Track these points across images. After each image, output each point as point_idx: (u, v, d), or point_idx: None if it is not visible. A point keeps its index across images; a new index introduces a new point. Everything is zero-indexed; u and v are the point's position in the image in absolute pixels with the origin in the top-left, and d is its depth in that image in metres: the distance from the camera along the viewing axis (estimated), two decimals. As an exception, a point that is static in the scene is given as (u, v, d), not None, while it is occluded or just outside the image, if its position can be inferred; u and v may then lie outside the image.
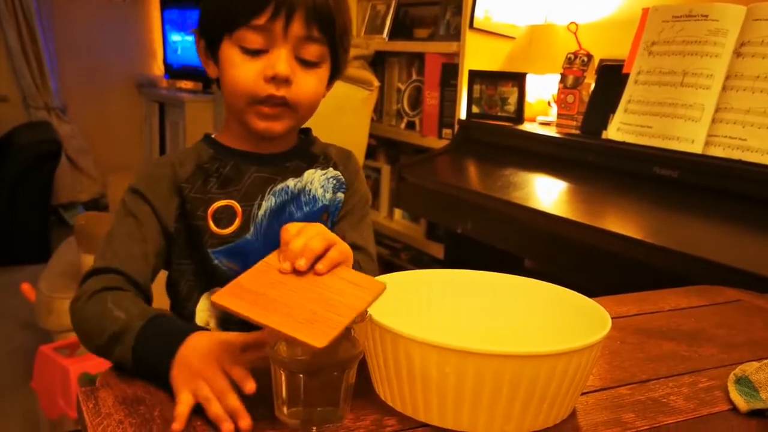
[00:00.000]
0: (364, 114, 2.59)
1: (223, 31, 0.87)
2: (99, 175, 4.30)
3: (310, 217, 0.93)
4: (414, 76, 2.71)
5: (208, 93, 3.86)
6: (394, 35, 2.84)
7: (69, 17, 4.25)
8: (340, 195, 0.97)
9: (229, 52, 0.87)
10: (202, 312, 0.92)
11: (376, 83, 2.59)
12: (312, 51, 0.87)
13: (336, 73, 0.94)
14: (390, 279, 0.76)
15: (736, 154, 1.45)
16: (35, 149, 3.64)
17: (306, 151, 0.97)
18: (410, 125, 2.71)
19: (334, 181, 0.97)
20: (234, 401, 0.63)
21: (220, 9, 0.87)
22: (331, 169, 0.97)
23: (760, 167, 1.39)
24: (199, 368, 0.66)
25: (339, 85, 2.82)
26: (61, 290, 2.15)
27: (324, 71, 0.90)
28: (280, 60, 0.85)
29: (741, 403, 0.70)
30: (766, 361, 0.74)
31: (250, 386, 0.63)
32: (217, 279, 0.90)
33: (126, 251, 0.85)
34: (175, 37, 4.30)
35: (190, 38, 4.10)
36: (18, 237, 3.57)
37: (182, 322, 0.76)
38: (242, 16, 0.84)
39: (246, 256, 0.90)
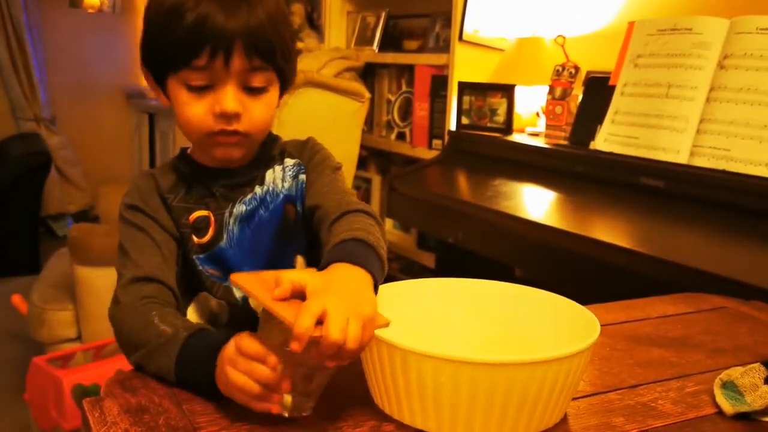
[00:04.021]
0: (355, 125, 2.61)
1: (167, 70, 0.88)
2: (88, 186, 4.30)
3: (275, 214, 0.94)
4: (404, 88, 2.74)
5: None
6: (384, 47, 2.87)
7: (58, 28, 4.26)
8: (302, 177, 0.97)
9: (177, 90, 0.87)
10: (192, 314, 0.94)
11: (367, 95, 2.61)
12: (258, 79, 0.87)
13: (285, 87, 0.94)
14: (384, 289, 0.78)
15: (720, 164, 1.48)
16: (25, 161, 3.65)
17: (267, 156, 0.97)
18: (400, 136, 2.74)
19: (293, 169, 0.97)
20: (263, 372, 0.64)
21: (161, 50, 0.87)
22: (287, 159, 0.98)
23: (743, 177, 1.42)
24: (223, 362, 0.68)
25: (330, 97, 2.85)
26: (53, 302, 2.15)
27: (273, 93, 0.90)
28: (227, 97, 0.85)
29: (727, 406, 0.72)
30: (750, 366, 0.76)
31: (271, 360, 0.64)
32: (201, 283, 0.93)
33: (145, 260, 0.86)
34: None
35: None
36: (7, 249, 3.57)
37: (218, 335, 0.76)
38: (182, 59, 0.84)
39: (223, 262, 0.93)
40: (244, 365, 0.65)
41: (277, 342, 0.65)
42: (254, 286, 0.66)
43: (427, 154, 2.45)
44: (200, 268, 0.92)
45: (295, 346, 0.61)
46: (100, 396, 0.69)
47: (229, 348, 0.67)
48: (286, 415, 0.66)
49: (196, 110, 0.86)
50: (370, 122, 2.87)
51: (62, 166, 4.19)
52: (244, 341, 0.65)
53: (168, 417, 0.65)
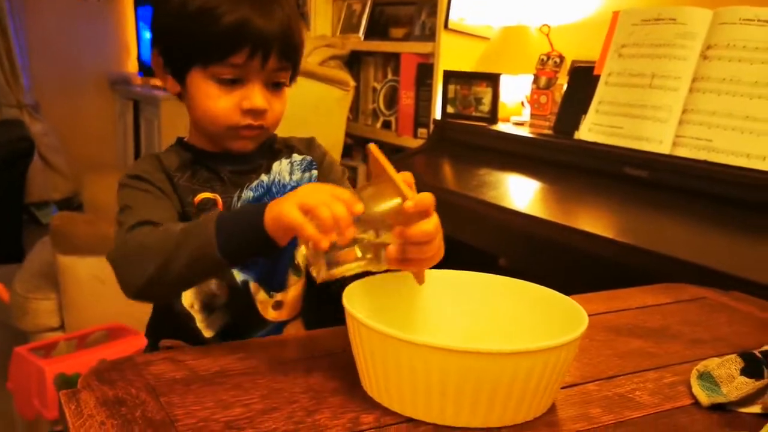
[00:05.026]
0: (340, 113, 2.60)
1: (194, 62, 0.88)
2: (72, 173, 4.25)
3: None
4: (390, 76, 2.73)
5: (183, 91, 3.83)
6: (369, 35, 2.86)
7: (41, 14, 4.20)
8: (314, 172, 0.99)
9: (203, 83, 0.88)
10: (189, 292, 0.93)
11: (352, 83, 2.60)
12: (282, 76, 0.91)
13: (293, 79, 0.97)
14: (368, 282, 0.78)
15: (702, 155, 1.49)
16: (7, 148, 3.60)
17: (271, 148, 1.00)
18: (386, 125, 2.73)
19: (302, 164, 0.99)
20: (342, 209, 0.67)
21: (192, 43, 0.87)
22: (295, 155, 1.00)
23: (724, 167, 1.43)
24: (301, 189, 0.72)
25: (315, 85, 2.84)
26: (36, 291, 2.14)
27: (287, 87, 0.94)
28: (257, 94, 0.88)
29: (703, 397, 0.73)
30: (727, 357, 0.77)
31: (358, 207, 0.68)
32: None
33: (149, 213, 0.83)
34: (149, 34, 4.27)
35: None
36: (-10, 236, 3.54)
37: None
38: (218, 55, 0.86)
39: None
40: (326, 197, 0.68)
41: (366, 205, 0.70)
42: (384, 158, 0.72)
43: (413, 143, 2.45)
44: None
45: (409, 205, 0.69)
46: (77, 388, 0.69)
47: (313, 185, 0.74)
48: (310, 260, 0.71)
49: (223, 104, 0.88)
50: (355, 110, 2.87)
51: (46, 153, 4.15)
52: (337, 187, 0.71)
53: (145, 409, 0.65)
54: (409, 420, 0.66)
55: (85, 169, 4.05)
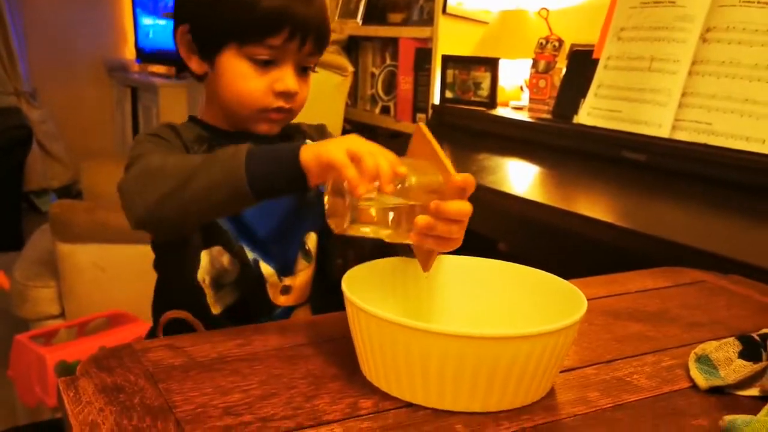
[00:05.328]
0: (338, 99, 2.59)
1: (230, 41, 0.89)
2: (70, 161, 4.25)
3: None
4: (388, 61, 2.72)
5: (182, 78, 3.82)
6: (367, 20, 2.84)
7: (38, 0, 4.18)
8: None
9: (236, 62, 0.89)
10: (201, 266, 0.93)
11: (351, 68, 2.59)
12: (312, 61, 0.94)
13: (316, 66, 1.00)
14: (368, 267, 0.78)
15: (701, 138, 1.48)
16: (5, 135, 3.60)
17: (285, 132, 1.00)
18: (385, 110, 2.72)
19: None
20: (387, 164, 0.67)
21: (231, 21, 0.88)
22: (308, 141, 0.99)
23: (724, 151, 1.42)
24: (350, 136, 0.72)
25: (313, 71, 2.77)
26: (36, 279, 2.14)
27: (311, 72, 0.96)
28: (290, 77, 0.90)
29: (701, 380, 0.73)
30: (725, 340, 0.77)
31: (402, 169, 0.68)
32: (220, 236, 0.92)
33: None
34: (147, 20, 4.25)
35: (162, 22, 4.05)
36: (-11, 224, 3.54)
37: None
38: (258, 35, 0.87)
39: (239, 220, 0.93)
40: (374, 148, 0.69)
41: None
42: (432, 137, 0.73)
43: (411, 128, 2.43)
44: (218, 220, 0.92)
45: (457, 179, 0.70)
46: (76, 375, 0.69)
47: (360, 137, 0.72)
48: (331, 211, 0.71)
49: (256, 85, 0.90)
50: (354, 96, 2.85)
51: (44, 140, 4.14)
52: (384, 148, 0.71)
53: (143, 396, 0.65)
54: (408, 405, 0.66)
55: (83, 156, 4.04)
